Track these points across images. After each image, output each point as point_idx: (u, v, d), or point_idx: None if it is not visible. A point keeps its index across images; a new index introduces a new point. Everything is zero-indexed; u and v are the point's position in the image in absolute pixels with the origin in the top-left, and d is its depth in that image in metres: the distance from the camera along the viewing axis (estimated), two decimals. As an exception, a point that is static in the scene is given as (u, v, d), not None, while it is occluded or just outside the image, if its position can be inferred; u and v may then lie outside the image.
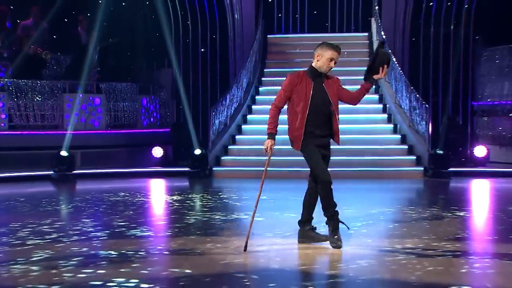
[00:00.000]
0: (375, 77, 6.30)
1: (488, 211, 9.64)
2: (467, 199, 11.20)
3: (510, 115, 15.07)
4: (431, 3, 16.09)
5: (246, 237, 6.15)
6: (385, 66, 6.25)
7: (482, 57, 15.76)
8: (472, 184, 12.59)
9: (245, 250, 6.06)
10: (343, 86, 6.42)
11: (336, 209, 6.24)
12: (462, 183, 12.49)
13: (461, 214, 8.58)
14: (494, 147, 15.08)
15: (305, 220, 6.37)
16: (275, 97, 6.32)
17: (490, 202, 10.75)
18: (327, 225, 6.27)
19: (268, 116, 6.27)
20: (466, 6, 15.91)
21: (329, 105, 6.21)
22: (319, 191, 6.19)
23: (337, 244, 6.16)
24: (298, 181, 12.30)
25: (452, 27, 16.07)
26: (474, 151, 14.64)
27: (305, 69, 6.33)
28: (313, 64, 6.25)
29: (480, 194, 11.86)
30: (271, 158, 6.33)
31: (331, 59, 6.22)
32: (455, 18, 16.03)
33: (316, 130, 6.18)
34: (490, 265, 5.73)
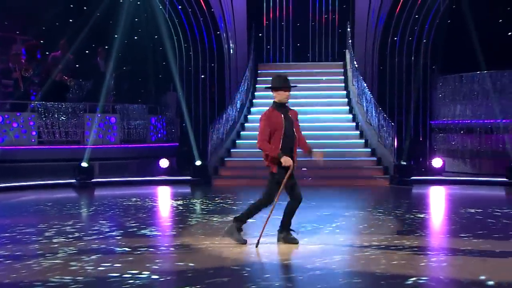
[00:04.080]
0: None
1: (444, 213, 9.74)
2: (426, 203, 11.27)
3: (461, 132, 15.24)
4: (395, 38, 16.32)
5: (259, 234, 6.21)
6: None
7: (438, 83, 15.96)
8: (431, 191, 12.66)
9: (256, 246, 6.12)
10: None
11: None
12: (422, 190, 12.55)
13: (421, 216, 8.66)
14: (449, 159, 15.22)
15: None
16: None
17: (445, 206, 10.82)
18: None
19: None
20: (424, 40, 16.16)
21: (295, 132, 6.27)
22: (260, 202, 6.27)
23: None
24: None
25: (413, 58, 16.27)
26: (432, 162, 14.78)
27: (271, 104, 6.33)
28: (275, 100, 6.27)
29: (437, 199, 11.93)
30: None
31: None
32: (415, 50, 16.25)
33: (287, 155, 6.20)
34: (444, 259, 5.82)
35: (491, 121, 14.57)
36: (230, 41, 17.35)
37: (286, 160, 6.08)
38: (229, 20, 17.16)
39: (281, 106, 6.29)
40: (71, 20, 15.66)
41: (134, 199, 10.66)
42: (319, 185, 12.49)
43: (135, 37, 16.41)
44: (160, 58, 16.49)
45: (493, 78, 14.63)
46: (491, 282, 4.80)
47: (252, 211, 6.35)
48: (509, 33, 14.93)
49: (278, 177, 6.15)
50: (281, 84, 6.29)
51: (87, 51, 15.73)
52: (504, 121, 14.22)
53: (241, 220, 6.34)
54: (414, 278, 4.93)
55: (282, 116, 6.22)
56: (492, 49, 14.24)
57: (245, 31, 17.63)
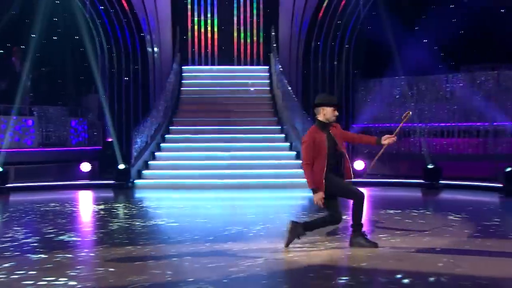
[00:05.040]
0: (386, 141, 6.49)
1: (365, 214, 10.01)
2: (348, 204, 11.48)
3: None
4: (318, 43, 16.72)
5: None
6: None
7: (359, 88, 16.49)
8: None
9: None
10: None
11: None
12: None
13: (343, 217, 8.83)
14: (370, 161, 15.69)
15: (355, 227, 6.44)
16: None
17: (366, 207, 11.11)
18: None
19: None
20: (346, 46, 16.67)
21: (339, 149, 6.21)
22: (358, 204, 6.41)
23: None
24: (211, 191, 12.39)
25: (335, 62, 16.73)
26: (354, 164, 15.21)
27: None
28: (320, 118, 6.15)
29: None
30: None
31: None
32: (338, 55, 16.72)
33: (330, 173, 6.20)
34: (364, 259, 5.98)
35: (409, 124, 15.20)
36: (154, 43, 17.15)
37: (317, 199, 6.11)
38: (152, 22, 16.95)
39: (324, 126, 6.12)
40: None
41: (53, 204, 10.32)
42: (244, 188, 12.57)
43: (54, 37, 15.89)
44: (81, 59, 16.06)
45: (410, 83, 15.30)
46: (406, 280, 5.00)
47: (318, 224, 6.39)
48: (425, 40, 15.64)
49: (333, 185, 6.19)
50: (329, 100, 6.12)
51: (1, 51, 15.07)
52: (420, 124, 14.87)
53: (306, 228, 6.30)
54: (335, 279, 5.05)
55: (325, 135, 6.09)
56: (409, 55, 14.89)
57: (169, 33, 17.47)
